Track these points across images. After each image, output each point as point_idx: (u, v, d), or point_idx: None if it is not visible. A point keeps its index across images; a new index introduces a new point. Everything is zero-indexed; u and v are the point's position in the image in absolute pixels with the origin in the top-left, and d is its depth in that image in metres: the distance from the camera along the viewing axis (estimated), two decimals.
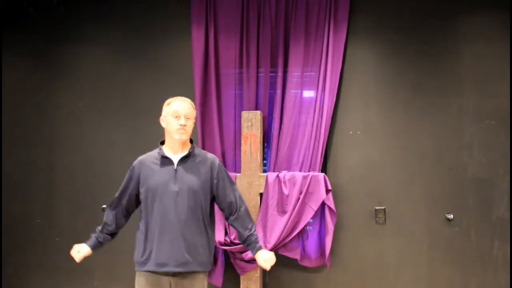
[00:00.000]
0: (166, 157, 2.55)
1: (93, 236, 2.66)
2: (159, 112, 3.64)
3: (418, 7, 3.47)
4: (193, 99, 3.53)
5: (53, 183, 3.83)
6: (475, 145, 3.34)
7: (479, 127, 3.35)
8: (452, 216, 3.32)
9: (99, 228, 2.68)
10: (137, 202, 2.63)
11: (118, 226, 2.68)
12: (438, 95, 3.40)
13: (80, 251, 2.61)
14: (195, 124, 3.50)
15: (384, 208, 3.40)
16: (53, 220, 3.81)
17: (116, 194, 2.66)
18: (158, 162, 2.55)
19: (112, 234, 2.69)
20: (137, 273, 2.57)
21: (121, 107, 3.77)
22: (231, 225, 2.65)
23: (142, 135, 3.68)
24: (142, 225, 2.54)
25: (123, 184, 2.64)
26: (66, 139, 3.84)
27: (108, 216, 2.67)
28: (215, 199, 2.63)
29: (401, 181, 3.40)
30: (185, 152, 2.57)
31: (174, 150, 2.57)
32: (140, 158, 2.64)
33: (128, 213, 2.69)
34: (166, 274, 2.48)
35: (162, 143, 2.64)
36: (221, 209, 2.66)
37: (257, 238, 2.60)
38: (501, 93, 3.34)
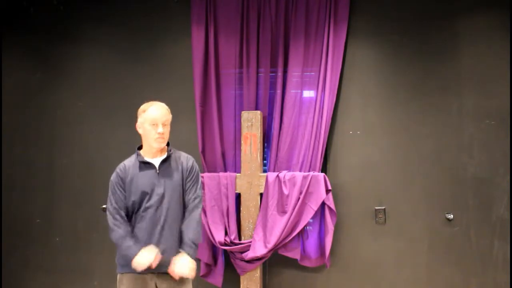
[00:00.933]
0: (147, 162, 2.57)
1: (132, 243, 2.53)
2: None
3: (418, 7, 3.47)
4: (193, 99, 3.55)
5: (53, 183, 3.83)
6: (475, 145, 3.34)
7: (479, 127, 3.35)
8: (452, 216, 3.32)
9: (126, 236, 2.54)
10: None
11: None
12: (438, 95, 3.40)
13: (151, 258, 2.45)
14: (195, 124, 3.52)
15: (384, 208, 3.40)
16: (53, 220, 3.81)
17: (111, 208, 2.54)
18: (140, 167, 2.56)
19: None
20: (119, 275, 2.61)
21: (121, 107, 3.77)
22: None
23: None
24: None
25: (114, 194, 2.55)
26: (66, 139, 3.84)
27: (123, 224, 2.55)
28: None
29: (401, 181, 3.40)
30: (164, 156, 2.59)
31: (153, 155, 2.59)
32: (121, 165, 2.61)
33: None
34: (152, 273, 2.49)
35: (139, 147, 2.65)
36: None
37: (190, 243, 2.49)
38: (501, 93, 3.34)
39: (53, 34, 3.92)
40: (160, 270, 2.47)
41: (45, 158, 3.85)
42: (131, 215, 2.55)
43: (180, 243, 2.51)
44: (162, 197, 2.50)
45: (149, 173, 2.54)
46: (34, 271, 3.81)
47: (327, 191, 3.29)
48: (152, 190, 2.51)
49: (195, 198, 2.58)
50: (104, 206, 3.72)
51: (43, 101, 3.90)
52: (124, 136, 3.72)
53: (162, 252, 2.45)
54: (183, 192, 2.59)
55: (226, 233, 3.40)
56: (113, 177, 2.58)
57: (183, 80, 3.66)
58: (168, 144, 2.65)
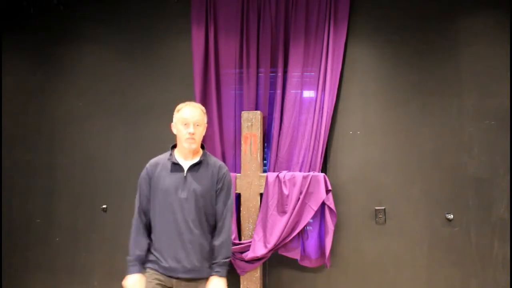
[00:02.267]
0: (177, 163, 2.55)
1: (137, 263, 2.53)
2: (159, 112, 3.68)
3: (418, 7, 3.47)
4: (193, 99, 3.54)
5: (53, 183, 3.83)
6: (475, 145, 3.34)
7: (479, 127, 3.35)
8: (452, 216, 3.32)
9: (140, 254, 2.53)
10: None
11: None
12: (438, 95, 3.40)
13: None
14: None
15: (384, 208, 3.40)
16: (53, 220, 3.81)
17: (137, 204, 2.56)
18: (169, 167, 2.55)
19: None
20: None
21: (121, 107, 3.77)
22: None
23: (142, 135, 3.68)
24: (152, 230, 2.55)
25: (141, 190, 2.57)
26: (66, 139, 3.84)
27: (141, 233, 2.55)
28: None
29: (401, 181, 3.40)
30: (196, 160, 2.57)
31: (185, 157, 2.57)
32: (152, 161, 2.61)
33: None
34: (170, 277, 2.49)
35: (174, 146, 2.64)
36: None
37: (222, 263, 2.52)
38: (501, 93, 3.34)
39: (53, 34, 3.92)
40: (172, 275, 2.47)
41: (45, 158, 3.85)
42: (152, 212, 2.53)
43: (209, 256, 2.51)
44: (185, 201, 2.47)
45: (177, 175, 2.51)
46: (34, 271, 3.81)
47: (327, 191, 3.29)
48: (175, 193, 2.48)
49: (224, 208, 2.56)
50: (104, 206, 3.73)
51: (43, 101, 3.90)
52: (124, 136, 3.73)
53: (179, 259, 2.44)
54: (213, 200, 2.56)
55: None
56: (142, 172, 2.58)
57: (183, 80, 3.65)
58: (203, 147, 2.63)
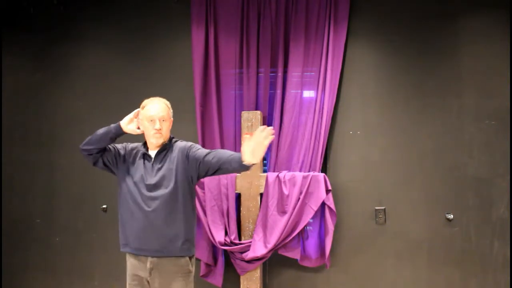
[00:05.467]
0: (147, 154, 2.58)
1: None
2: None
3: (418, 7, 3.47)
4: (193, 99, 3.55)
5: (53, 183, 3.83)
6: (475, 145, 3.34)
7: (479, 127, 3.35)
8: (452, 216, 3.32)
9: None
10: (106, 160, 2.66)
11: (94, 147, 2.64)
12: (438, 95, 3.40)
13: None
14: (195, 124, 3.52)
15: (384, 208, 3.40)
16: (53, 220, 3.81)
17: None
18: (141, 157, 2.59)
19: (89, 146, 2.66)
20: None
21: (121, 107, 3.75)
22: (220, 169, 2.46)
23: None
24: (120, 209, 2.64)
25: (116, 145, 2.69)
26: (66, 139, 3.83)
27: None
28: (205, 173, 2.52)
29: (401, 181, 3.40)
30: (158, 149, 2.59)
31: (153, 148, 2.60)
32: (132, 145, 2.68)
33: (98, 158, 2.67)
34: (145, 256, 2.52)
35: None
36: (212, 168, 2.49)
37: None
38: (501, 93, 3.34)
39: (53, 34, 3.92)
40: (154, 254, 2.47)
41: (45, 158, 3.85)
42: (123, 197, 2.60)
43: (173, 235, 2.48)
44: (154, 187, 2.48)
45: (146, 163, 2.55)
46: (34, 271, 3.81)
47: (327, 191, 3.29)
48: (144, 180, 2.51)
49: (206, 151, 2.50)
50: (104, 206, 3.73)
51: (43, 101, 3.89)
52: (124, 136, 3.71)
53: (145, 237, 2.46)
54: (188, 175, 2.52)
55: (226, 233, 3.40)
56: (127, 144, 2.68)
57: (183, 80, 3.65)
58: (170, 140, 2.62)
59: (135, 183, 2.53)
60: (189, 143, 2.60)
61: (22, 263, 3.83)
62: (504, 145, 3.31)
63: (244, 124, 3.42)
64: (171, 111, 2.63)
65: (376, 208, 3.41)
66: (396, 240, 3.38)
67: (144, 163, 2.56)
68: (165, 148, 2.57)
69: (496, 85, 3.34)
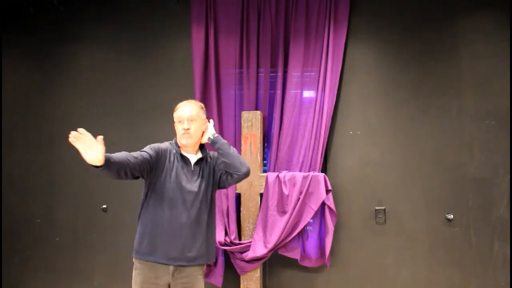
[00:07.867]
0: (184, 156, 2.55)
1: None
2: (159, 112, 3.68)
3: (418, 7, 3.47)
4: (193, 99, 3.54)
5: (53, 183, 3.83)
6: (475, 145, 3.34)
7: (479, 127, 3.35)
8: (452, 216, 3.32)
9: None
10: (137, 172, 2.44)
11: (118, 165, 2.38)
12: (438, 95, 3.40)
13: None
14: None
15: (384, 208, 3.40)
16: (53, 220, 3.81)
17: (134, 154, 2.43)
18: (178, 159, 2.54)
19: (111, 163, 2.39)
20: (136, 261, 2.53)
21: (121, 107, 3.77)
22: (228, 173, 2.54)
23: (142, 134, 3.68)
24: (149, 216, 2.49)
25: (146, 150, 2.48)
26: (66, 139, 3.81)
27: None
28: (225, 181, 2.58)
29: (401, 181, 3.40)
30: (200, 156, 2.59)
31: (189, 152, 2.58)
32: (165, 147, 2.56)
33: (126, 171, 2.41)
34: (168, 265, 2.48)
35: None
36: (227, 178, 2.56)
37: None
38: (501, 93, 3.34)
39: (53, 34, 3.92)
40: (176, 263, 2.45)
41: (45, 158, 3.85)
42: (156, 199, 2.47)
43: (206, 244, 2.51)
44: (193, 195, 2.48)
45: (185, 168, 2.53)
46: (34, 271, 3.81)
47: (327, 191, 3.29)
48: (184, 185, 2.48)
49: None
50: (104, 206, 3.73)
51: (43, 101, 3.89)
52: (124, 136, 3.72)
53: (182, 247, 2.43)
54: (215, 184, 2.59)
55: (226, 233, 3.40)
56: (153, 144, 2.53)
57: (183, 80, 3.65)
58: (203, 146, 2.63)
59: (173, 190, 2.48)
60: (215, 155, 2.63)
61: (22, 263, 3.83)
62: (504, 145, 3.31)
63: (244, 124, 3.42)
64: (203, 111, 2.62)
65: (376, 208, 3.41)
66: (396, 240, 3.38)
67: (182, 167, 2.52)
68: (206, 155, 2.60)
69: (496, 85, 3.34)
